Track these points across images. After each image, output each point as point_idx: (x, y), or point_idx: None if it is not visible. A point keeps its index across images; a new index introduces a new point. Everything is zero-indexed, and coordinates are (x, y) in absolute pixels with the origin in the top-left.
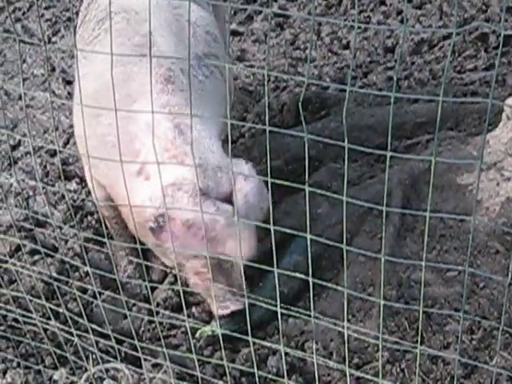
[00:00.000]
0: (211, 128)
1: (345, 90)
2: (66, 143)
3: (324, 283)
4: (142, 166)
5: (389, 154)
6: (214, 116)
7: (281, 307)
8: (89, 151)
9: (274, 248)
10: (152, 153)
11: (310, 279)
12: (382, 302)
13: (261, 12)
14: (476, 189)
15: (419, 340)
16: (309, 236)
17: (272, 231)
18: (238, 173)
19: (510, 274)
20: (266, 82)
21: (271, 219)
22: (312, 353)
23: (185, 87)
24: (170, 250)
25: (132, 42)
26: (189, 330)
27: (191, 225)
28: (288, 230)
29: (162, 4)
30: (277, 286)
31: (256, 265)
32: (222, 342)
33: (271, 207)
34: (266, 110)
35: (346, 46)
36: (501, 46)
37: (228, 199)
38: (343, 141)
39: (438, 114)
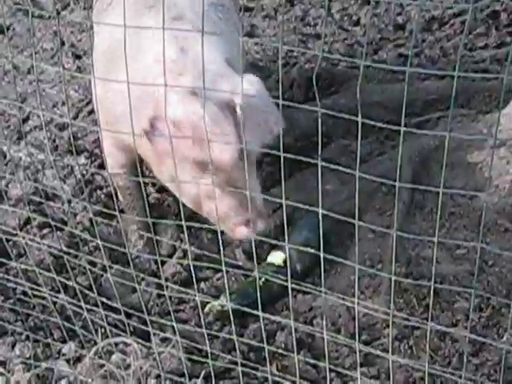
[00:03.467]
0: (217, 52)
1: (355, 67)
2: (75, 117)
3: (336, 258)
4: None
5: (402, 129)
6: (224, 52)
7: (291, 283)
8: (109, 110)
9: (285, 223)
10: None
11: (322, 254)
12: (394, 278)
13: None
14: (490, 165)
15: (429, 316)
16: (320, 211)
17: (284, 206)
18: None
19: None
20: (280, 55)
21: (283, 194)
22: (321, 328)
23: (194, 22)
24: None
25: None
26: (199, 304)
27: (179, 123)
28: (299, 205)
29: None
30: (288, 262)
31: (265, 239)
32: (231, 316)
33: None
34: (280, 84)
35: (357, 23)
36: None
37: (231, 106)
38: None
39: (448, 91)
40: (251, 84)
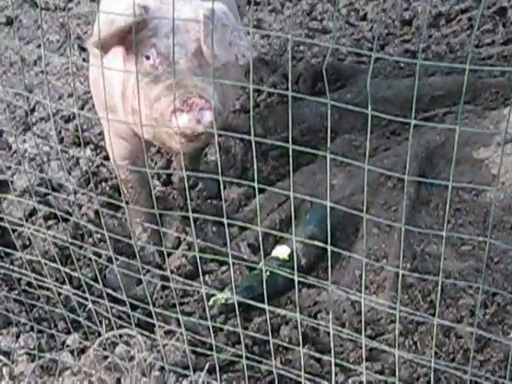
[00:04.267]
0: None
1: (361, 62)
2: (81, 109)
3: (343, 252)
4: None
5: (413, 122)
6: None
7: (298, 276)
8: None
9: (292, 216)
10: None
11: (329, 247)
12: (401, 272)
13: None
14: (499, 162)
15: (436, 312)
16: (328, 204)
17: (291, 198)
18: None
19: None
20: (289, 48)
21: (291, 186)
22: (326, 322)
23: None
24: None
25: None
26: (204, 296)
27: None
28: (306, 197)
29: None
30: (295, 257)
31: (272, 231)
32: (236, 309)
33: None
34: (290, 75)
35: (363, 18)
36: None
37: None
38: (359, 112)
39: (455, 86)
40: (221, 7)
